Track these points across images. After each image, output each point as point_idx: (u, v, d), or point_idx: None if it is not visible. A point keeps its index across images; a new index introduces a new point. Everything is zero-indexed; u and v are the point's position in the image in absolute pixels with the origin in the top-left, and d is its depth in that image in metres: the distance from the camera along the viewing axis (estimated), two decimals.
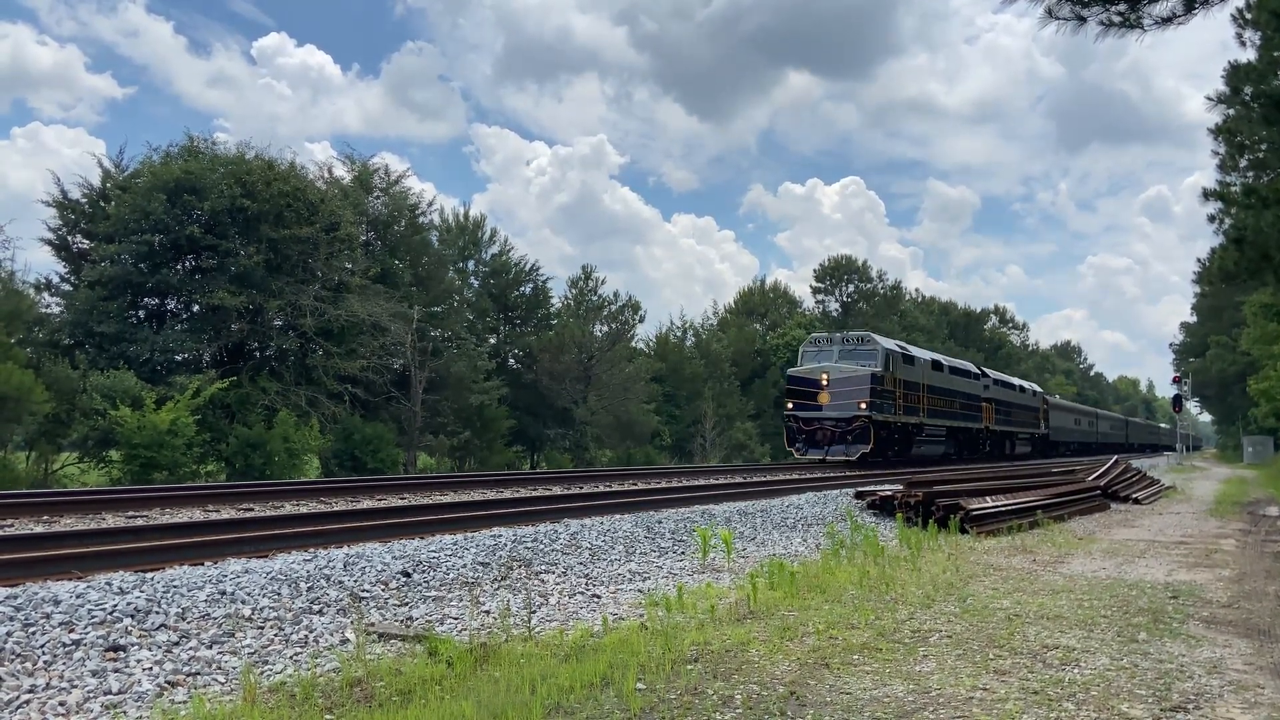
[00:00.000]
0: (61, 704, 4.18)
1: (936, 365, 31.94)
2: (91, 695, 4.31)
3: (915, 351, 30.57)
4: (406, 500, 12.59)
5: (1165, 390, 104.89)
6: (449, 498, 13.18)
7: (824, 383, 26.08)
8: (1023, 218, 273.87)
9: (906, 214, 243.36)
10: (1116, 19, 7.92)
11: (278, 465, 24.01)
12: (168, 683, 4.56)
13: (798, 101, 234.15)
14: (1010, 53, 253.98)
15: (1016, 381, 44.22)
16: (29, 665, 4.47)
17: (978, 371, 37.02)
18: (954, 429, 32.77)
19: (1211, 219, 17.30)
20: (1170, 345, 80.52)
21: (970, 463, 32.30)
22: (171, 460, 21.43)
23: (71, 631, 4.83)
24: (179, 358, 26.81)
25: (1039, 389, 48.10)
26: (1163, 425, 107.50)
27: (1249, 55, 16.23)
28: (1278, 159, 17.28)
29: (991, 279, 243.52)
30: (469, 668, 4.75)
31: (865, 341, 27.40)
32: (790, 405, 26.74)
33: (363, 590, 6.33)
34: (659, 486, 15.88)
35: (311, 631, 5.53)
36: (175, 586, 5.62)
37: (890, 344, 28.45)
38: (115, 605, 5.17)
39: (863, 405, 25.27)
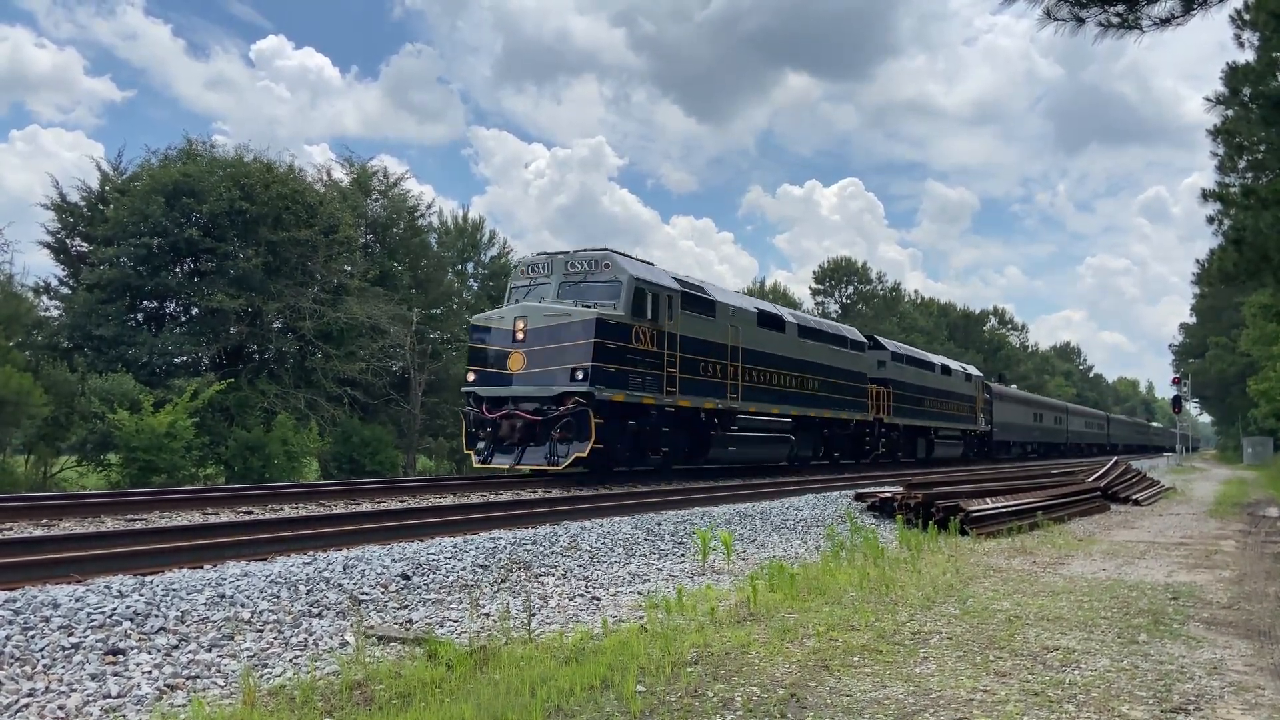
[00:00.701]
0: (60, 707, 4.17)
1: (769, 321, 20.57)
2: (91, 699, 4.30)
3: (721, 296, 19.13)
4: (406, 503, 12.57)
5: (1165, 391, 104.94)
6: (448, 500, 13.16)
7: (519, 336, 15.50)
8: (1021, 219, 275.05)
9: (905, 215, 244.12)
10: (1115, 20, 7.92)
11: (277, 468, 24.03)
12: (167, 686, 4.55)
13: (796, 103, 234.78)
14: (1009, 54, 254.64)
15: (938, 360, 33.23)
16: (28, 669, 4.46)
17: (861, 339, 26.33)
18: (809, 420, 21.97)
19: (1210, 220, 17.33)
20: (1170, 346, 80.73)
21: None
22: (170, 463, 21.44)
23: (70, 635, 4.82)
24: (178, 360, 26.83)
25: (977, 372, 38.26)
26: (1154, 424, 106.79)
27: (1247, 56, 16.29)
28: (1277, 160, 17.30)
29: (990, 280, 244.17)
30: (469, 670, 4.74)
31: (602, 266, 16.12)
32: (471, 377, 16.17)
33: (362, 593, 6.32)
34: (658, 489, 15.86)
35: (311, 634, 5.52)
36: (174, 590, 5.61)
37: (657, 275, 17.11)
38: (114, 608, 5.16)
39: (579, 374, 14.89)
